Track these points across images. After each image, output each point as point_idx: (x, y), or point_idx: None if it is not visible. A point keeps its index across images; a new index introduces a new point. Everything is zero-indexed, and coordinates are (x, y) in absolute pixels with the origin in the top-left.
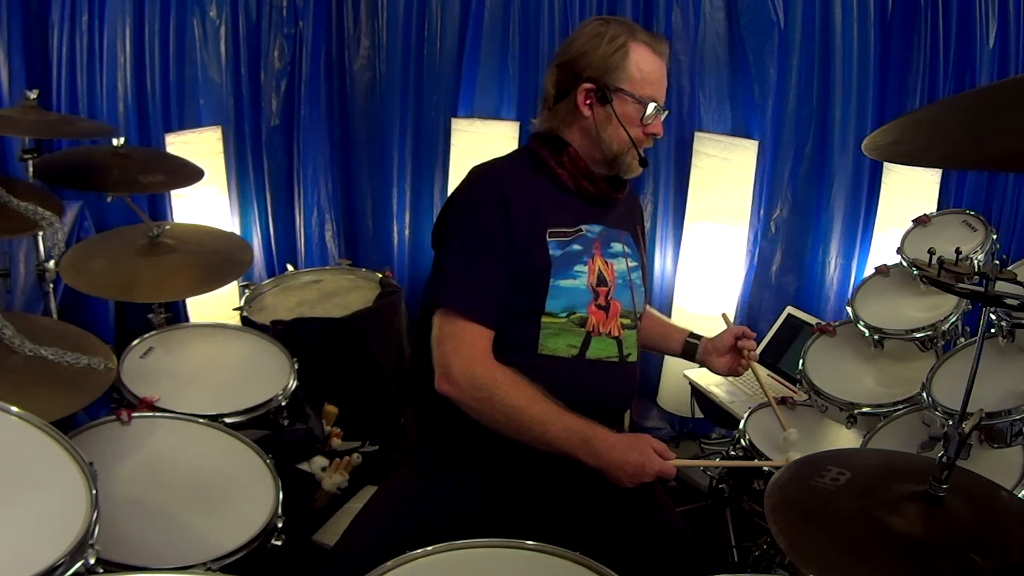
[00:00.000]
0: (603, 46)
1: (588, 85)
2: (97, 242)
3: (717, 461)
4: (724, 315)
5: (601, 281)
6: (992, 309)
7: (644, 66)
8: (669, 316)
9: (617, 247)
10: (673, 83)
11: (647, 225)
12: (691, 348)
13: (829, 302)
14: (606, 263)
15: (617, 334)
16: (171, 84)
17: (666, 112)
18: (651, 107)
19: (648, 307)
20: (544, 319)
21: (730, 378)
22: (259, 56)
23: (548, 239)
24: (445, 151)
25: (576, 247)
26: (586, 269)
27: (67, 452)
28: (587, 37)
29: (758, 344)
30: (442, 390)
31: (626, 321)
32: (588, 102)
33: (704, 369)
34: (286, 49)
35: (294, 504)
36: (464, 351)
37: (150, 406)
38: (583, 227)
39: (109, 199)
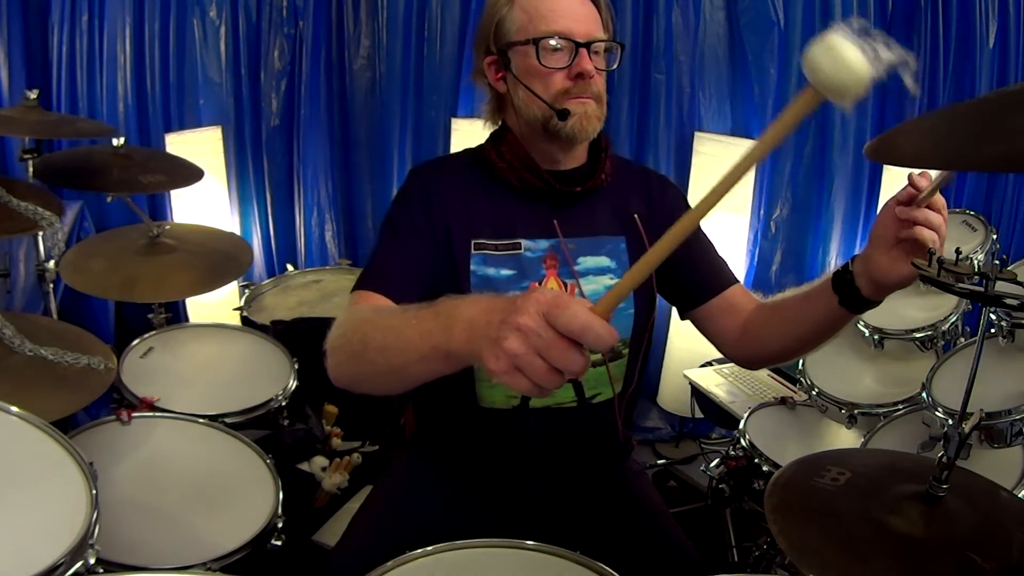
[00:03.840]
0: (490, 9)
1: (489, 58)
2: (97, 242)
3: None
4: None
5: None
6: (992, 309)
7: (530, 5)
8: (667, 320)
9: (591, 261)
10: (673, 83)
11: None
12: (846, 279)
13: None
14: (564, 285)
15: None
16: (171, 84)
17: (597, 45)
18: (550, 41)
19: (767, 296)
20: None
21: (730, 378)
22: (259, 56)
23: (472, 252)
24: (445, 151)
25: (505, 272)
26: None
27: (67, 452)
28: (484, 9)
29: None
30: (334, 379)
31: (594, 357)
32: (499, 76)
33: (705, 369)
34: (286, 49)
35: (294, 504)
36: None
37: (150, 406)
38: (524, 242)
39: (109, 199)
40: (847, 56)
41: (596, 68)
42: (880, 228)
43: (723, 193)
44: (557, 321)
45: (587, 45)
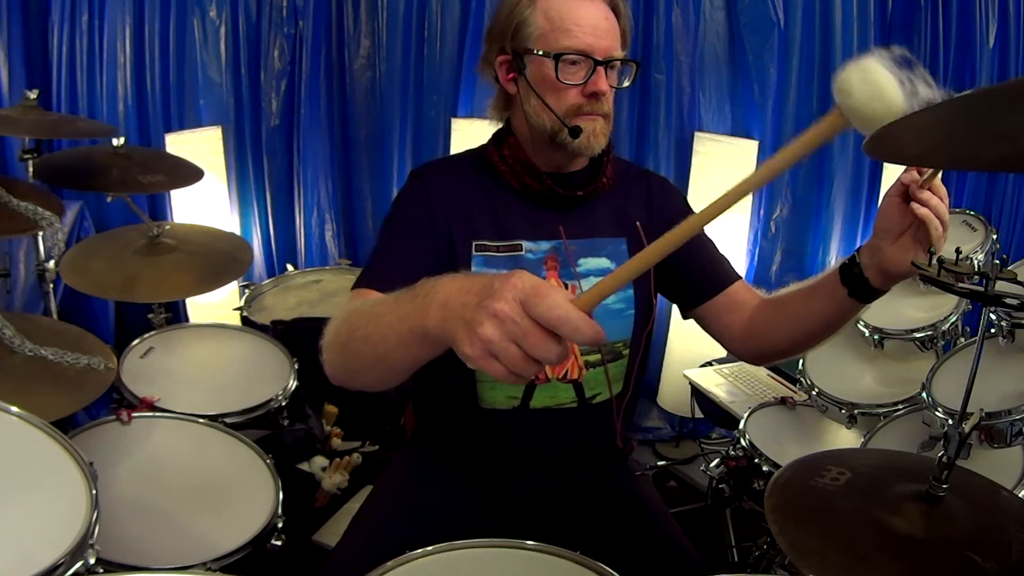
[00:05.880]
0: (509, 7)
1: (502, 56)
2: (97, 242)
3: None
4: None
5: None
6: (992, 309)
7: (554, 13)
8: (667, 320)
9: (591, 263)
10: (673, 83)
11: None
12: (854, 272)
13: None
14: (566, 286)
15: (575, 376)
16: (171, 84)
17: (614, 63)
18: (569, 58)
19: (770, 293)
20: None
21: (730, 378)
22: (259, 56)
23: (474, 253)
24: (445, 151)
25: (506, 272)
26: None
27: (67, 452)
28: (502, 2)
29: None
30: (330, 376)
31: (592, 358)
32: (510, 76)
33: (705, 369)
34: (286, 49)
35: (294, 504)
36: None
37: (150, 406)
38: (525, 243)
39: (109, 199)
40: (883, 86)
41: (609, 85)
42: (885, 220)
43: (726, 206)
44: (534, 310)
45: (605, 64)
